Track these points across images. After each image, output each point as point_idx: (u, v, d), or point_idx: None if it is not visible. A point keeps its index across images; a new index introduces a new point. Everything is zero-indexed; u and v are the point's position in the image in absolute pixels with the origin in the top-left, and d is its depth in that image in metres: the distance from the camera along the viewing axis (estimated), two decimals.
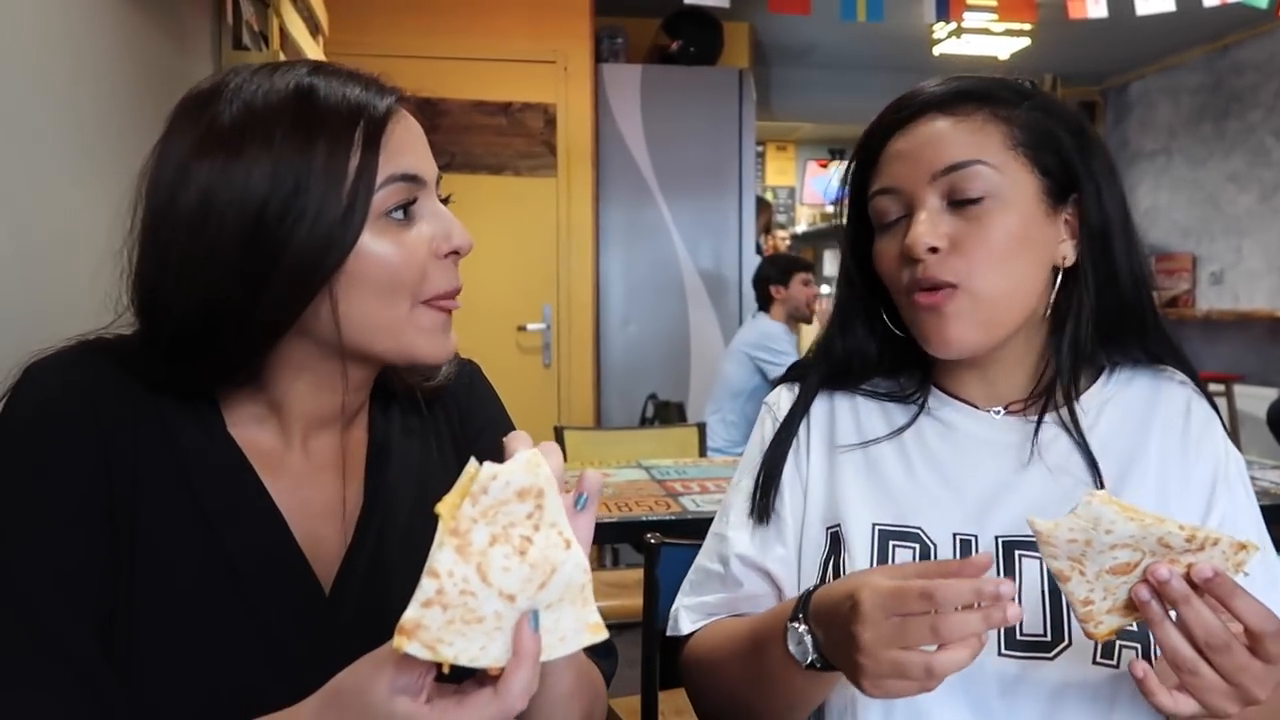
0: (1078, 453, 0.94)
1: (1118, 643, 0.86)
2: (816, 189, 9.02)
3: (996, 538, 0.92)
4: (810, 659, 0.80)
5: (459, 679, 0.61)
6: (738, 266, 4.72)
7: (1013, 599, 0.69)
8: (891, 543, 0.93)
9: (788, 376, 1.07)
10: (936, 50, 5.36)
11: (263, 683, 0.76)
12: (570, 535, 0.59)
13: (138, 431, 0.76)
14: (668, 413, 3.85)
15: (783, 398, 1.05)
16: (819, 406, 1.02)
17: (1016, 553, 0.91)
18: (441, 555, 0.56)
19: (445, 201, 0.84)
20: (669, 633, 1.01)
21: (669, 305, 4.62)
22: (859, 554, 0.93)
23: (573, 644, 0.60)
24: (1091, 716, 0.87)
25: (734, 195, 4.71)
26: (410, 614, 0.55)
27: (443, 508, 0.57)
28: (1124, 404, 0.97)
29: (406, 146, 0.79)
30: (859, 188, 0.98)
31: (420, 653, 0.55)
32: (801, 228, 8.82)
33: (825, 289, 6.79)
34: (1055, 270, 0.93)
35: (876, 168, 0.95)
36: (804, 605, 0.82)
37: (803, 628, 0.81)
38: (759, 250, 5.01)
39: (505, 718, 0.59)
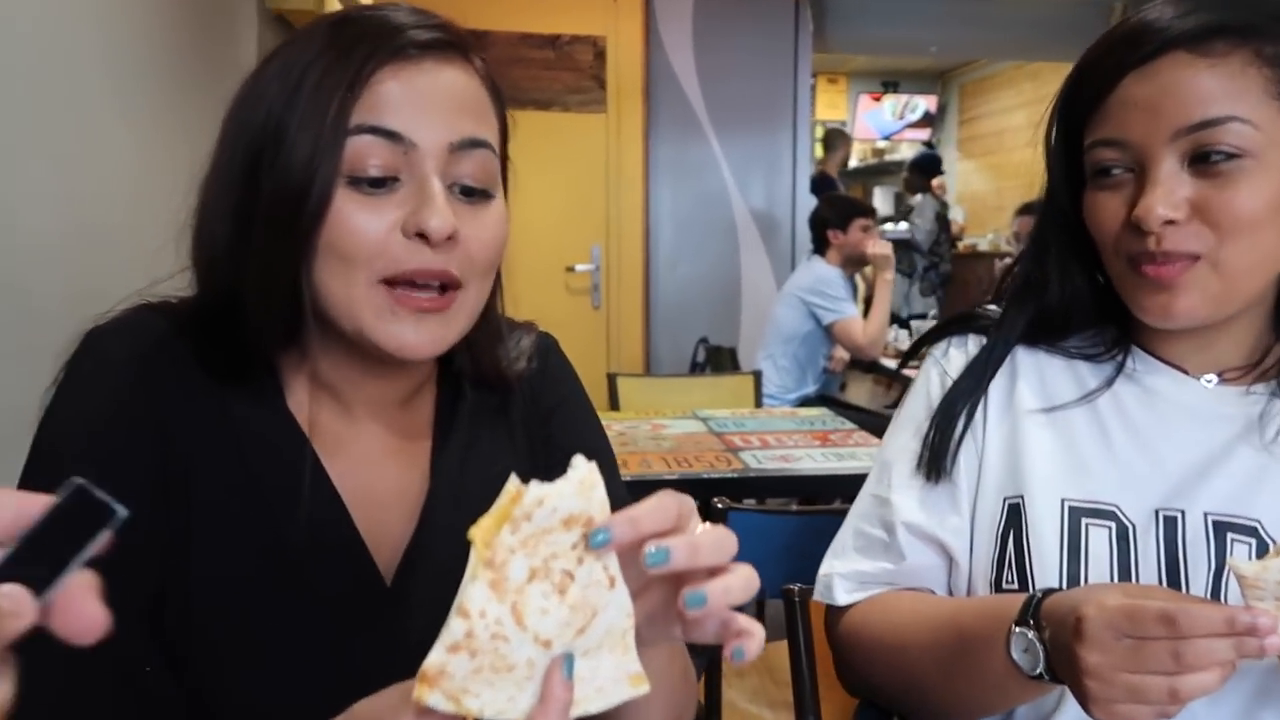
0: None
1: None
2: (869, 123, 8.74)
3: (1206, 515, 0.82)
4: (1038, 670, 0.73)
5: None
6: (791, 205, 4.57)
7: (1275, 630, 0.61)
8: (1084, 521, 0.84)
9: (956, 325, 0.96)
10: None
11: (321, 673, 0.72)
12: (616, 571, 0.51)
13: (195, 404, 0.72)
14: (720, 358, 3.75)
15: (952, 348, 0.95)
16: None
17: (1229, 535, 0.81)
18: (474, 591, 0.48)
19: (476, 193, 0.72)
20: (816, 597, 0.94)
21: (719, 246, 4.50)
22: (1046, 532, 0.85)
23: (612, 697, 0.52)
24: None
25: (788, 130, 4.54)
26: (434, 659, 0.48)
27: (477, 532, 0.49)
28: None
29: (399, 100, 0.68)
30: (1071, 123, 0.86)
31: (443, 705, 0.48)
32: (852, 163, 8.57)
33: (889, 226, 6.61)
34: None
35: (1100, 111, 0.82)
36: (1034, 610, 0.74)
37: (1032, 634, 0.73)
38: (816, 189, 4.84)
39: None
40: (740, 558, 1.65)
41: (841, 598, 0.92)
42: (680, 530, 0.52)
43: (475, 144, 0.71)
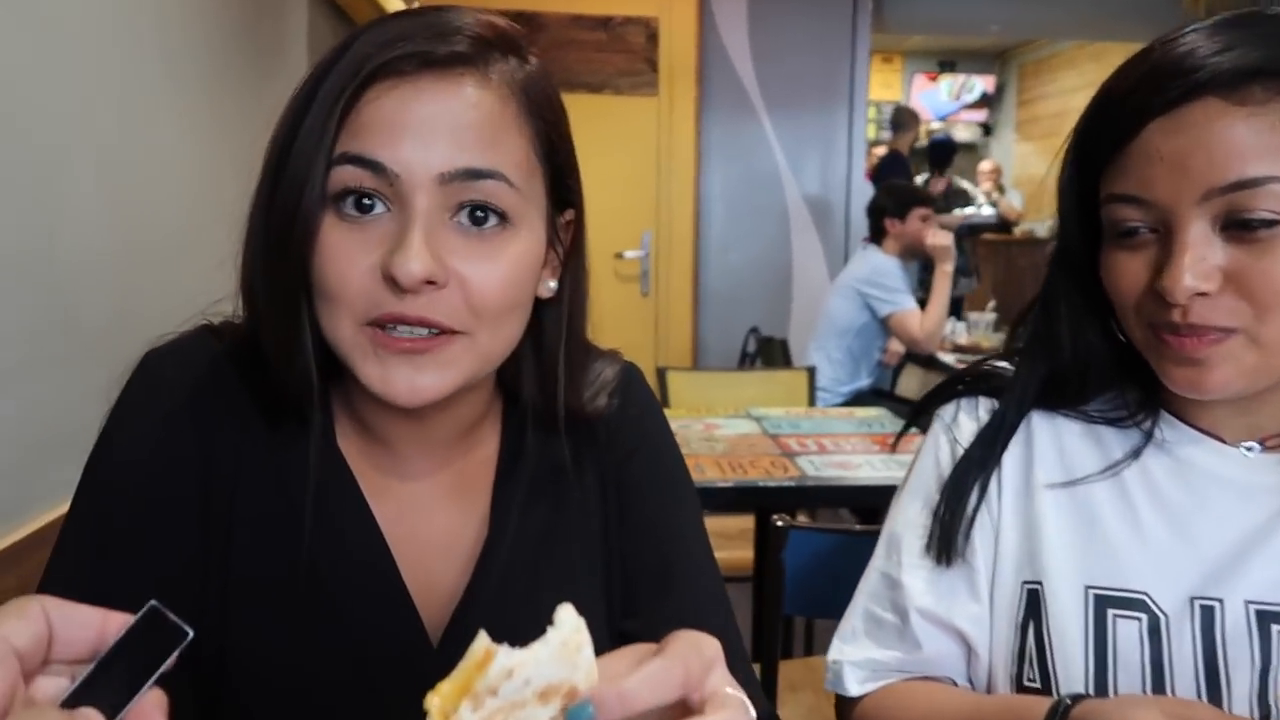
0: None
1: None
2: (924, 104, 8.53)
3: (1247, 604, 0.73)
4: None
5: None
6: (845, 190, 4.45)
7: None
8: (1110, 612, 0.75)
9: (965, 386, 0.87)
10: None
11: None
12: None
13: (243, 434, 0.69)
14: (771, 350, 3.66)
15: (962, 413, 0.86)
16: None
17: (1274, 627, 0.72)
18: None
19: (487, 224, 0.63)
20: (828, 687, 0.86)
21: (771, 232, 4.40)
22: (1069, 624, 0.76)
23: None
24: None
25: (843, 111, 4.42)
26: None
27: (434, 701, 0.41)
28: None
29: (385, 125, 0.60)
30: (1088, 164, 0.75)
31: None
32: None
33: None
34: None
35: (1120, 160, 0.71)
36: (1060, 717, 0.66)
37: None
38: (887, 168, 4.69)
39: None
40: (799, 578, 1.55)
41: (853, 688, 0.84)
42: (688, 702, 0.42)
43: (477, 174, 0.62)
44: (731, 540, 2.46)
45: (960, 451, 0.84)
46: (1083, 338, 0.80)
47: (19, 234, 1.11)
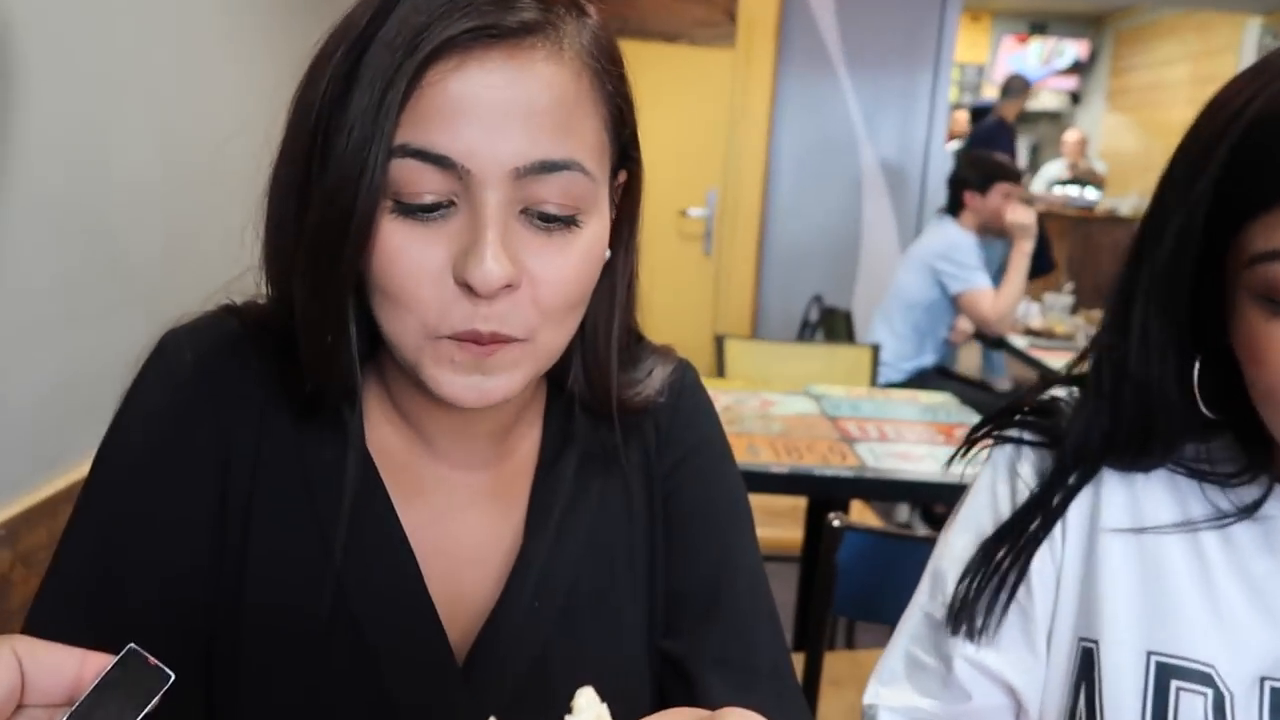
0: None
1: None
2: (1011, 68, 8.18)
3: None
4: None
5: None
6: (923, 155, 4.26)
7: None
8: (1174, 683, 0.67)
9: (1029, 424, 0.76)
10: None
11: None
12: None
13: (265, 422, 0.64)
14: (834, 321, 3.54)
15: (1024, 458, 0.76)
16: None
17: None
18: None
19: (558, 222, 0.57)
20: None
21: (842, 197, 4.24)
22: (1125, 692, 0.68)
23: None
24: None
25: (928, 72, 4.21)
26: None
27: None
28: None
29: (451, 112, 0.53)
30: (1227, 198, 0.62)
31: None
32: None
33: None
34: None
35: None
36: None
37: None
38: (991, 135, 4.47)
39: None
40: (849, 579, 1.47)
41: None
42: None
43: (552, 167, 0.55)
44: (781, 518, 2.39)
45: (1022, 492, 0.75)
46: (1155, 384, 0.68)
47: (70, 174, 1.07)
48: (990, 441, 0.79)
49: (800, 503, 2.28)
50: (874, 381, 2.75)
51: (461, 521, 0.68)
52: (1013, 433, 0.77)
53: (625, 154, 0.63)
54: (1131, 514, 0.72)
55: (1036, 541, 0.73)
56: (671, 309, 3.80)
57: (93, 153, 1.12)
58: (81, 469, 1.13)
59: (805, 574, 2.17)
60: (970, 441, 0.81)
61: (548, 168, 0.55)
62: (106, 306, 1.13)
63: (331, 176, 0.54)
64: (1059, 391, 0.78)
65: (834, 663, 1.78)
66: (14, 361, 1.01)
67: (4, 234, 0.97)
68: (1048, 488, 0.74)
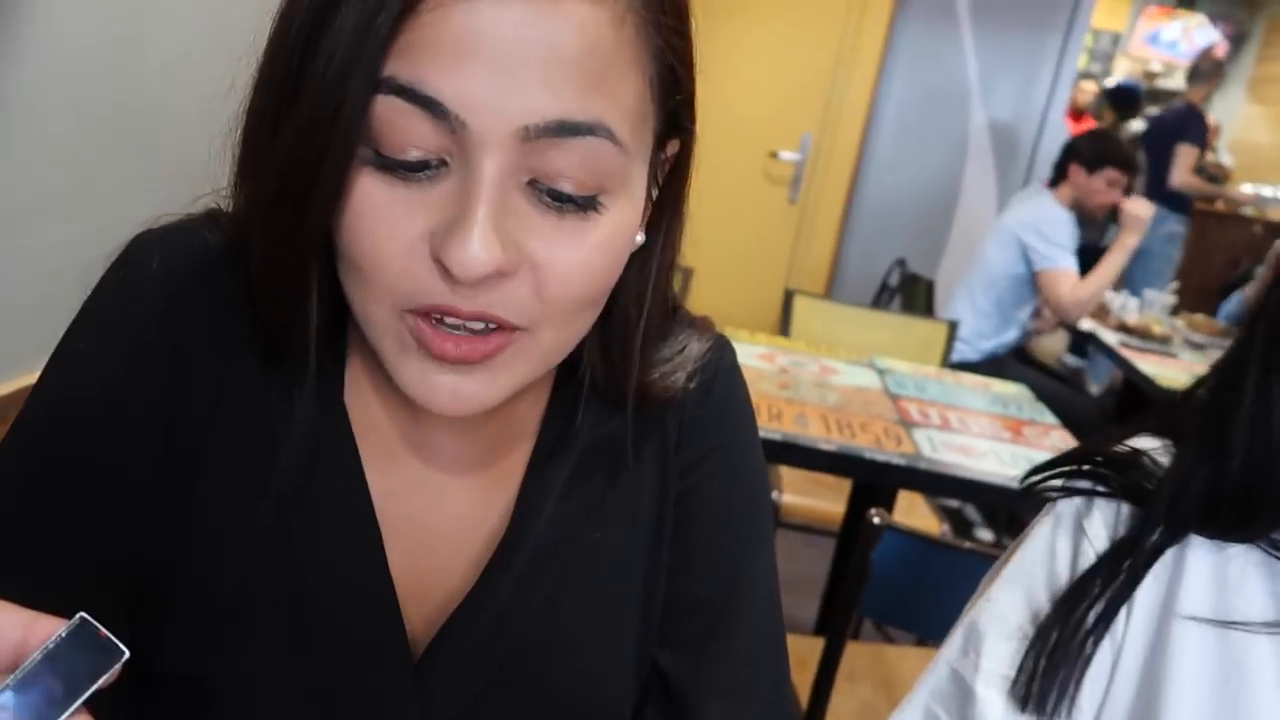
0: None
1: None
2: (1148, 42, 7.66)
3: None
4: None
5: None
6: (1038, 124, 3.99)
7: None
8: None
9: (1105, 474, 0.66)
10: None
11: None
12: None
13: (230, 358, 0.56)
14: (915, 289, 3.36)
15: (1097, 511, 0.65)
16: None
17: None
18: None
19: (572, 202, 0.47)
20: None
21: (944, 158, 4.00)
22: None
23: None
24: None
25: (1058, 35, 3.91)
26: None
27: None
28: None
29: (451, 47, 0.42)
30: None
31: None
32: (1114, 81, 7.56)
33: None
34: None
35: None
36: None
37: None
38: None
39: None
40: (883, 581, 1.38)
41: None
42: None
43: (573, 130, 0.45)
44: (825, 488, 2.29)
45: (1088, 555, 0.64)
46: (1273, 443, 0.59)
47: (101, 45, 1.00)
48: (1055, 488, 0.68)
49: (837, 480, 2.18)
50: (946, 361, 2.59)
51: (440, 499, 0.60)
52: (1084, 484, 0.66)
53: (675, 123, 0.53)
54: (1216, 600, 0.61)
55: (1113, 612, 0.62)
56: (746, 256, 3.65)
57: (129, 26, 1.05)
58: None
59: (839, 554, 2.07)
60: (1030, 486, 0.70)
61: (566, 130, 0.44)
62: (127, 181, 1.07)
63: (304, 109, 0.44)
64: (1146, 442, 0.66)
65: (853, 654, 1.69)
66: (16, 227, 0.95)
67: (22, 98, 0.90)
68: (1123, 551, 0.63)
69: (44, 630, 0.36)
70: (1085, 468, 0.67)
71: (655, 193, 0.55)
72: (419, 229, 0.45)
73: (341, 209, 0.46)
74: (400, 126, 0.44)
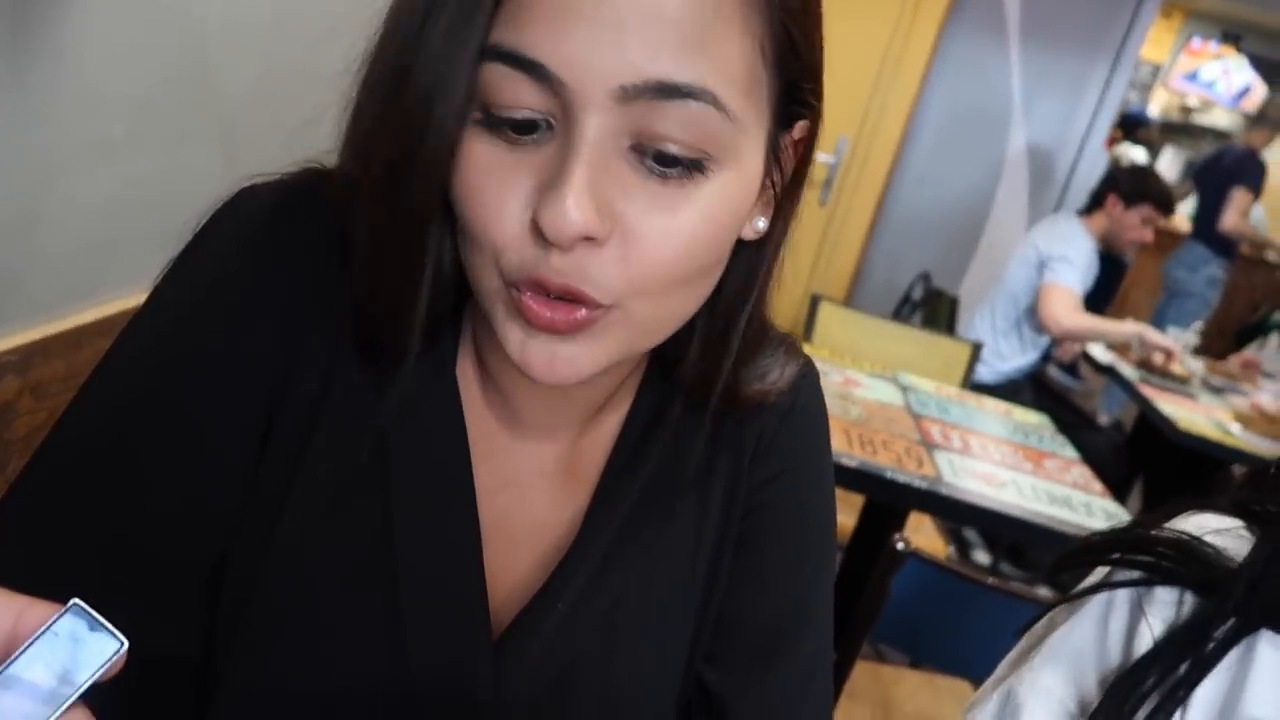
0: None
1: None
2: (1185, 79, 7.59)
3: None
4: None
5: None
6: (1076, 151, 3.95)
7: None
8: None
9: (1164, 569, 0.61)
10: None
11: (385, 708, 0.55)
12: None
13: (342, 333, 0.53)
14: (938, 305, 3.32)
15: (1158, 597, 0.61)
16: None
17: None
18: None
19: (676, 166, 0.45)
20: None
21: (978, 174, 3.97)
22: None
23: None
24: None
25: (1106, 61, 3.87)
26: None
27: None
28: None
29: (551, 8, 0.42)
30: None
31: None
32: (1149, 111, 7.50)
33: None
34: None
35: None
36: None
37: None
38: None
39: None
40: (898, 607, 1.36)
41: None
42: None
43: (672, 92, 0.43)
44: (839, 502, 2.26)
45: (1143, 642, 0.60)
46: None
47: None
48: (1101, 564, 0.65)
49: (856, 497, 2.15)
50: (967, 383, 2.57)
51: (523, 494, 0.59)
52: (1137, 573, 0.62)
53: (797, 98, 0.50)
54: None
55: (1170, 709, 0.58)
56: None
57: None
58: (116, 304, 1.05)
59: (846, 569, 2.05)
60: (1069, 564, 0.67)
61: (665, 92, 0.43)
62: (179, 134, 1.03)
63: (418, 75, 0.43)
64: (1209, 520, 0.63)
65: (859, 674, 1.67)
66: (61, 173, 0.92)
67: (77, 47, 0.87)
68: (1185, 641, 0.59)
69: (35, 618, 0.34)
70: (1141, 557, 0.62)
71: (779, 177, 0.52)
72: (524, 191, 0.45)
73: (453, 174, 0.45)
74: (507, 90, 0.43)
